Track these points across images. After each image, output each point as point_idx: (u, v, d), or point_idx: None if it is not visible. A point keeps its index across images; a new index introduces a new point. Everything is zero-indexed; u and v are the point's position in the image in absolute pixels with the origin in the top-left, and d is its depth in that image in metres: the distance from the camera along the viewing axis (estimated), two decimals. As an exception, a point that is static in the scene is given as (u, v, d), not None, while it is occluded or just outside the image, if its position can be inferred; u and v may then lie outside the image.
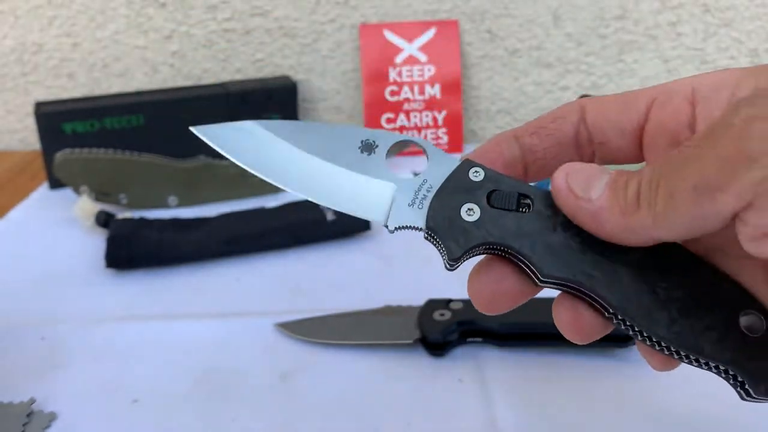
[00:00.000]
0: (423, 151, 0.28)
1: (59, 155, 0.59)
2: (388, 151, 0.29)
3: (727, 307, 0.23)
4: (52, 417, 0.36)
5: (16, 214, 0.62)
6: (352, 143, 0.29)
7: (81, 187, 0.59)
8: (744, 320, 0.23)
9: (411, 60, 0.75)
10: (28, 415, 0.36)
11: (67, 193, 0.62)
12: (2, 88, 0.79)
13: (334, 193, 0.28)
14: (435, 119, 0.76)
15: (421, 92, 0.75)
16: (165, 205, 0.62)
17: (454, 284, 0.48)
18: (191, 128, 0.31)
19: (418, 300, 0.44)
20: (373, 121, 0.76)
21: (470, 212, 0.26)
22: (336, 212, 0.56)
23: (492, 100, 0.80)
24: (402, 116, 0.76)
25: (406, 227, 0.27)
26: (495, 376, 0.39)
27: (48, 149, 0.65)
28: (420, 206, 0.27)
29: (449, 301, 0.42)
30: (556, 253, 0.25)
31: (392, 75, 0.75)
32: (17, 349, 0.42)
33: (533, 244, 0.25)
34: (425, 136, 0.76)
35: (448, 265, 0.27)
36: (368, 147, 0.29)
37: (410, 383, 0.39)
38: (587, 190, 0.23)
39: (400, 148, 0.29)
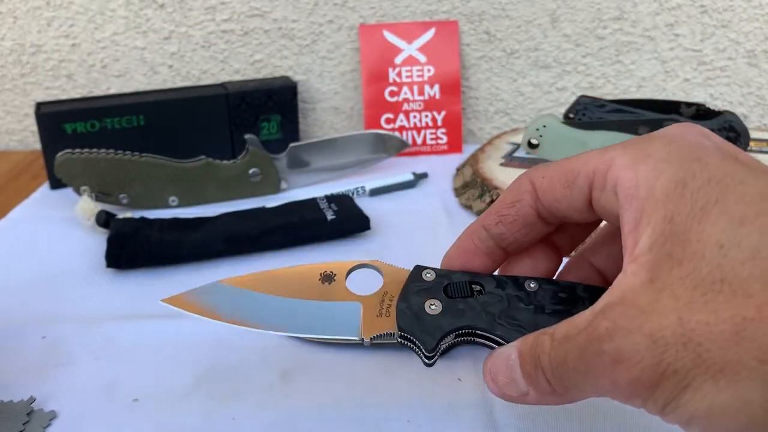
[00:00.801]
0: (376, 270, 0.32)
1: (60, 155, 0.59)
2: (347, 276, 0.32)
3: None
4: (52, 416, 0.36)
5: (16, 213, 0.63)
6: (313, 278, 0.32)
7: (81, 187, 0.59)
8: None
9: (410, 60, 0.75)
10: (28, 414, 0.36)
11: (68, 193, 0.62)
12: (1, 88, 0.79)
13: (307, 323, 0.31)
14: (434, 119, 0.76)
15: (421, 93, 0.75)
16: (165, 205, 0.62)
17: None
18: (161, 301, 0.34)
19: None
20: (372, 122, 0.76)
21: (432, 306, 0.29)
22: (336, 212, 0.56)
23: (490, 101, 0.81)
24: (401, 116, 0.76)
25: (381, 335, 0.30)
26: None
27: (49, 149, 0.65)
28: (387, 314, 0.30)
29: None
30: (516, 320, 0.28)
31: (392, 75, 0.75)
32: (18, 348, 0.42)
33: (492, 319, 0.28)
34: (424, 137, 0.77)
35: (426, 361, 0.29)
36: (327, 277, 0.32)
37: (410, 382, 0.39)
38: (517, 387, 0.26)
39: (357, 269, 0.32)
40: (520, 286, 0.29)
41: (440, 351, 0.29)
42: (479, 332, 0.28)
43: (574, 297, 0.28)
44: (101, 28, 0.76)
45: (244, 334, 0.43)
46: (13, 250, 0.55)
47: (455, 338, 0.29)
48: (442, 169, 0.70)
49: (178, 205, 0.62)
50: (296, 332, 0.31)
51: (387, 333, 0.29)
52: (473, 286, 0.29)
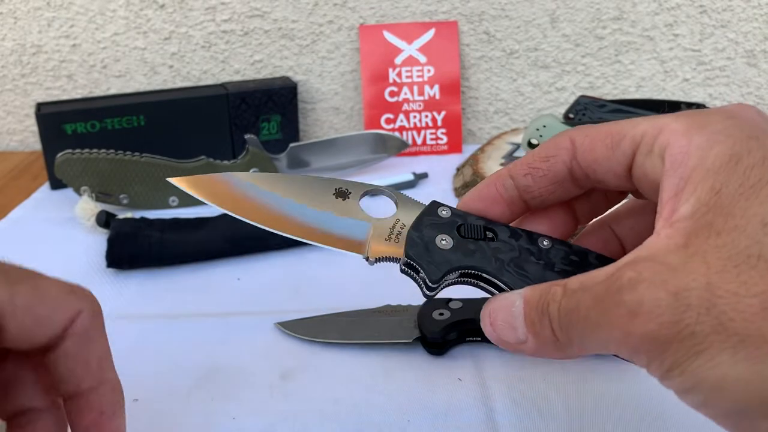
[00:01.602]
0: (392, 200, 0.32)
1: (60, 156, 0.59)
2: (361, 197, 0.32)
3: None
4: (53, 416, 0.36)
5: (17, 214, 0.63)
6: (327, 191, 0.31)
7: (82, 188, 0.59)
8: None
9: (410, 61, 0.75)
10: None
11: (68, 193, 0.62)
12: (1, 89, 0.79)
13: (314, 229, 0.31)
14: (434, 120, 0.76)
15: (421, 93, 0.76)
16: (166, 206, 0.62)
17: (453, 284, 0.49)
18: (169, 180, 0.33)
19: (418, 299, 0.44)
20: (372, 122, 0.76)
21: (443, 241, 0.29)
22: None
23: (490, 101, 0.81)
24: (401, 117, 0.76)
25: (386, 258, 0.30)
26: (494, 375, 0.39)
27: (49, 150, 0.65)
28: (396, 240, 0.30)
29: (449, 300, 0.43)
30: (524, 271, 0.28)
31: (392, 76, 0.75)
32: (19, 348, 0.42)
33: (501, 265, 0.28)
34: (425, 137, 0.77)
35: (427, 291, 0.29)
36: (342, 194, 0.31)
37: (410, 382, 0.39)
38: (515, 334, 0.25)
39: (372, 194, 0.33)
40: (533, 241, 0.29)
41: (442, 286, 0.29)
42: (485, 275, 0.28)
43: (586, 262, 0.28)
44: (102, 28, 0.76)
45: (244, 333, 0.43)
46: (13, 250, 0.55)
47: (459, 277, 0.29)
48: (442, 169, 0.70)
49: (179, 206, 0.62)
50: (301, 236, 0.30)
51: (393, 257, 0.29)
52: (487, 232, 0.29)
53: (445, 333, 0.40)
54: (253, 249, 0.53)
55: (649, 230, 0.25)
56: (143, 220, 0.55)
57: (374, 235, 0.30)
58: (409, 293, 0.47)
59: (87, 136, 0.66)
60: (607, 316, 0.22)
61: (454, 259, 0.28)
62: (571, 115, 0.67)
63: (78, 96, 0.79)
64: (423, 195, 0.65)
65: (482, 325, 0.27)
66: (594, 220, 0.32)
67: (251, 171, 0.63)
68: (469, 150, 0.75)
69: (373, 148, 0.69)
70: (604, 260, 0.28)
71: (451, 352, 0.41)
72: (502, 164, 0.66)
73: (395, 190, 0.32)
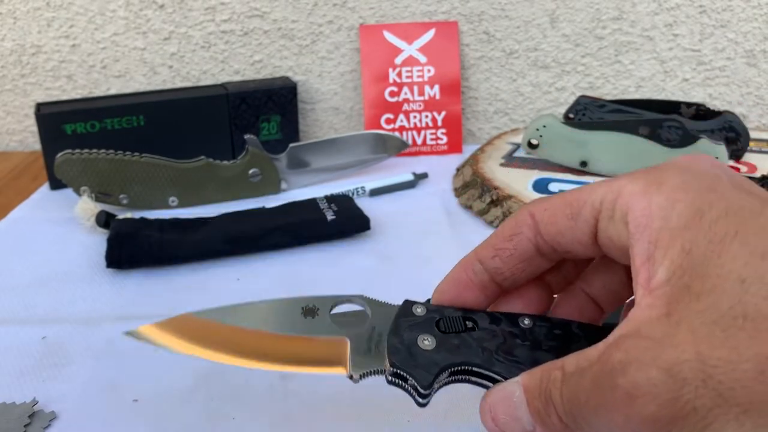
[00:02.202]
0: (362, 307, 0.30)
1: (60, 156, 0.59)
2: (330, 310, 0.30)
3: None
4: (52, 416, 0.36)
5: (17, 214, 0.63)
6: (294, 311, 0.30)
7: (82, 188, 0.59)
8: None
9: (411, 61, 0.75)
10: (30, 416, 0.36)
11: (68, 193, 0.62)
12: (1, 89, 0.79)
13: (291, 360, 0.29)
14: (434, 120, 0.76)
15: (421, 93, 0.76)
16: (165, 206, 0.62)
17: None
18: (123, 333, 0.31)
19: (418, 298, 0.44)
20: (373, 122, 0.76)
21: (426, 341, 0.28)
22: (336, 212, 0.56)
23: (489, 101, 0.81)
24: (402, 117, 0.76)
25: (371, 372, 0.28)
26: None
27: (49, 150, 0.65)
28: (377, 351, 0.28)
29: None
30: (513, 356, 0.27)
31: (392, 76, 0.75)
32: (18, 348, 0.42)
33: (489, 355, 0.27)
34: (425, 137, 0.77)
35: (419, 399, 0.28)
36: (310, 311, 0.30)
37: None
38: (520, 425, 0.24)
39: (341, 304, 0.31)
40: (514, 323, 0.28)
41: (435, 390, 0.28)
42: (476, 369, 0.27)
43: (570, 334, 0.28)
44: (101, 28, 0.76)
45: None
46: (13, 250, 0.56)
47: (450, 376, 0.28)
48: (442, 169, 0.70)
49: (178, 206, 0.62)
50: (279, 367, 0.29)
51: (378, 370, 0.28)
52: (466, 322, 0.28)
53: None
54: (253, 249, 0.53)
55: (620, 285, 0.25)
56: (143, 220, 0.55)
57: (353, 349, 0.29)
58: (409, 293, 0.47)
59: (87, 136, 0.66)
60: (606, 401, 0.21)
61: (440, 358, 0.27)
62: (571, 115, 0.67)
63: (77, 96, 0.79)
64: (423, 195, 0.65)
65: (483, 421, 0.26)
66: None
67: (250, 171, 0.63)
68: (469, 150, 0.75)
69: (373, 148, 0.69)
70: (586, 328, 0.28)
71: None
72: (501, 164, 0.66)
73: (363, 296, 0.31)
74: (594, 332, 0.27)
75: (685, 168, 0.24)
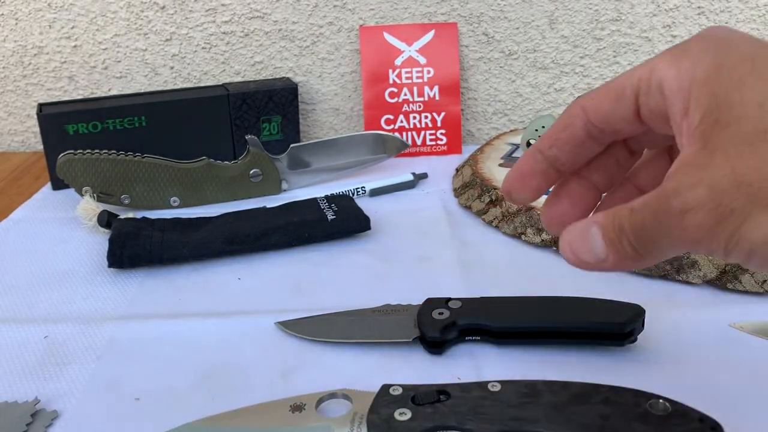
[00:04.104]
0: (345, 398, 0.35)
1: (62, 156, 0.59)
2: (317, 405, 0.34)
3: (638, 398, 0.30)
4: (54, 415, 0.36)
5: (19, 214, 0.63)
6: (283, 409, 0.34)
7: (83, 188, 0.59)
8: (650, 405, 0.29)
9: (410, 62, 0.75)
10: (32, 415, 0.36)
11: (70, 193, 0.62)
12: (3, 90, 0.79)
13: None
14: (434, 120, 0.76)
15: (420, 94, 0.76)
16: (167, 206, 0.62)
17: (453, 284, 0.49)
18: None
19: (418, 299, 0.44)
20: (372, 122, 0.76)
21: (402, 414, 0.31)
22: (336, 212, 0.56)
23: (488, 102, 0.81)
24: (401, 117, 0.76)
25: None
26: (492, 374, 0.39)
27: (51, 150, 0.65)
28: (359, 430, 0.32)
29: (448, 300, 0.43)
30: (485, 414, 0.30)
31: (392, 77, 0.75)
32: (20, 347, 0.43)
33: (462, 417, 0.30)
34: (424, 137, 0.77)
35: None
36: (298, 408, 0.34)
37: (409, 380, 0.39)
38: (594, 254, 0.28)
39: (326, 399, 0.35)
40: (483, 389, 0.32)
41: None
42: (450, 430, 0.31)
43: (536, 390, 0.31)
44: (102, 29, 0.77)
45: (245, 332, 0.44)
46: (15, 250, 0.56)
47: None
48: (442, 169, 0.71)
49: (180, 206, 0.63)
50: None
51: None
52: (440, 396, 0.32)
53: (445, 332, 0.40)
54: (254, 249, 0.53)
55: (615, 164, 0.30)
56: (144, 220, 0.55)
57: None
58: (409, 293, 0.48)
59: (88, 136, 0.66)
60: (665, 222, 0.25)
61: (416, 426, 0.31)
62: (570, 116, 0.68)
63: (79, 97, 0.79)
64: (423, 195, 0.65)
65: (563, 252, 0.29)
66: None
67: (251, 172, 0.63)
68: (468, 150, 0.75)
69: (373, 149, 0.69)
70: (551, 384, 0.32)
71: (450, 351, 0.41)
72: (500, 165, 0.66)
73: (345, 389, 0.35)
74: (560, 387, 0.31)
75: (703, 36, 0.28)
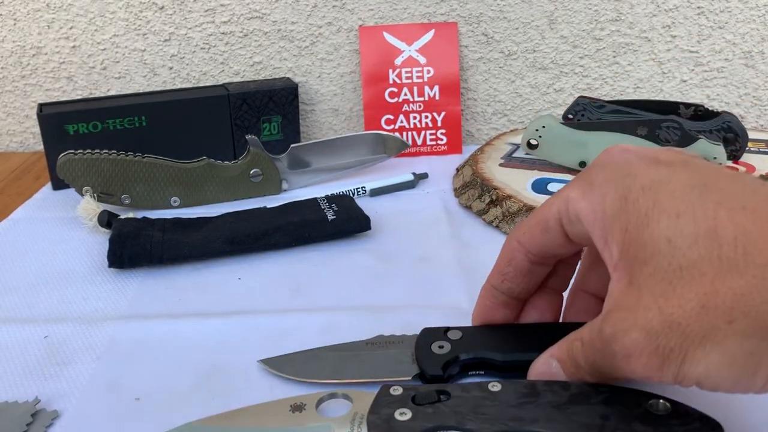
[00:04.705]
0: (345, 399, 0.34)
1: (62, 156, 0.59)
2: (317, 405, 0.34)
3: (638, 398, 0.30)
4: (54, 415, 0.36)
5: (19, 214, 0.63)
6: (283, 409, 0.34)
7: (84, 188, 0.59)
8: (650, 405, 0.29)
9: (410, 62, 0.75)
10: (33, 415, 0.36)
11: (70, 193, 0.62)
12: (1, 90, 0.79)
13: None
14: (434, 120, 0.76)
15: (420, 94, 0.76)
16: (167, 206, 0.62)
17: (453, 283, 0.49)
18: None
19: (418, 298, 0.44)
20: (372, 122, 0.76)
21: (403, 414, 0.31)
22: (336, 212, 0.56)
23: (488, 102, 0.81)
24: (401, 117, 0.76)
25: None
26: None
27: (51, 150, 0.65)
28: (359, 430, 0.32)
29: (447, 330, 0.39)
30: (485, 414, 0.30)
31: (392, 77, 0.75)
32: (20, 347, 0.42)
33: (462, 417, 0.30)
34: (424, 137, 0.77)
35: None
36: (298, 407, 0.34)
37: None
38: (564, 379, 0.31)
39: (326, 399, 0.35)
40: (484, 389, 0.32)
41: None
42: (450, 430, 0.30)
43: (536, 390, 0.31)
44: (101, 30, 0.77)
45: (245, 332, 0.43)
46: (15, 250, 0.56)
47: None
48: (442, 169, 0.71)
49: (180, 206, 0.63)
50: None
51: None
52: (441, 396, 0.32)
53: (447, 368, 0.37)
54: (254, 249, 0.53)
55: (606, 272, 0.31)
56: (145, 220, 0.55)
57: None
58: (409, 293, 0.48)
59: (89, 136, 0.66)
60: (612, 363, 0.28)
61: (416, 425, 0.30)
62: (570, 116, 0.68)
63: (78, 97, 0.79)
64: (423, 195, 0.65)
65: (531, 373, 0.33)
66: (567, 292, 0.38)
67: (251, 172, 0.63)
68: (468, 150, 0.75)
69: (374, 149, 0.69)
70: (550, 384, 0.31)
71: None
72: (501, 165, 0.66)
73: (345, 389, 0.35)
74: (560, 387, 0.31)
75: (604, 164, 0.30)
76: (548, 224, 0.32)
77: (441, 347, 0.38)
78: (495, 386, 0.32)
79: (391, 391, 0.32)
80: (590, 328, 0.29)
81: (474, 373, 0.38)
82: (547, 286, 0.37)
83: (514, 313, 0.37)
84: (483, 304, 0.37)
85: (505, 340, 0.38)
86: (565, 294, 0.38)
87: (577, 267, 0.37)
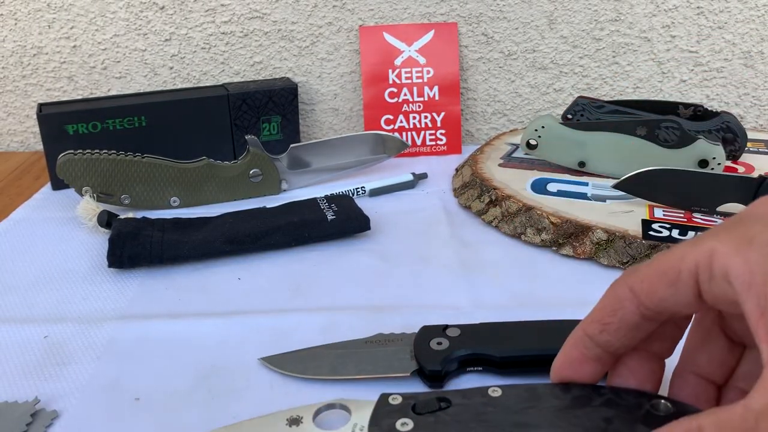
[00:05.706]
0: (343, 409, 0.33)
1: (62, 156, 0.59)
2: (314, 417, 0.33)
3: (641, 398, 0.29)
4: (54, 415, 0.36)
5: (19, 214, 0.63)
6: (279, 422, 0.33)
7: (83, 188, 0.59)
8: (652, 406, 0.29)
9: (410, 62, 0.75)
10: (32, 415, 0.36)
11: (70, 193, 0.62)
12: (2, 90, 0.79)
13: None
14: (434, 120, 0.76)
15: (420, 94, 0.76)
16: (167, 206, 0.62)
17: (452, 283, 0.49)
18: None
19: (418, 298, 0.44)
20: (372, 123, 0.76)
21: (404, 424, 0.30)
22: (336, 212, 0.56)
23: (488, 102, 0.81)
24: (401, 118, 0.76)
25: None
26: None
27: (51, 150, 0.65)
28: None
29: (445, 327, 0.40)
30: (486, 422, 0.29)
31: (391, 77, 0.76)
32: (20, 347, 0.43)
33: (464, 425, 0.29)
34: (424, 138, 0.77)
35: None
36: (294, 421, 0.33)
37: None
38: None
39: (324, 410, 0.34)
40: (484, 394, 0.31)
41: None
42: None
43: (537, 394, 0.30)
44: (102, 30, 0.77)
45: (245, 332, 0.44)
46: (15, 250, 0.56)
47: None
48: (442, 169, 0.71)
49: (180, 206, 0.63)
50: None
51: None
52: (441, 403, 0.31)
53: (445, 364, 0.37)
54: (254, 249, 0.53)
55: (724, 354, 0.28)
56: (144, 220, 0.55)
57: None
58: (409, 293, 0.48)
59: (88, 136, 0.66)
60: None
61: None
62: (570, 116, 0.68)
63: (78, 97, 0.79)
64: (423, 195, 0.66)
65: None
66: (674, 373, 0.32)
67: (251, 172, 0.63)
68: (468, 150, 0.75)
69: (373, 149, 0.69)
70: (552, 387, 0.31)
71: (450, 383, 0.39)
72: (500, 165, 0.66)
73: (343, 399, 0.34)
74: (561, 391, 0.30)
75: (762, 217, 0.25)
76: (678, 276, 0.27)
77: (439, 344, 0.38)
78: (495, 391, 0.31)
79: (390, 400, 0.32)
80: (720, 418, 0.24)
81: (472, 369, 0.39)
82: (649, 350, 0.31)
83: (604, 370, 0.31)
84: (570, 355, 0.31)
85: (503, 337, 0.39)
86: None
87: (683, 339, 0.32)
